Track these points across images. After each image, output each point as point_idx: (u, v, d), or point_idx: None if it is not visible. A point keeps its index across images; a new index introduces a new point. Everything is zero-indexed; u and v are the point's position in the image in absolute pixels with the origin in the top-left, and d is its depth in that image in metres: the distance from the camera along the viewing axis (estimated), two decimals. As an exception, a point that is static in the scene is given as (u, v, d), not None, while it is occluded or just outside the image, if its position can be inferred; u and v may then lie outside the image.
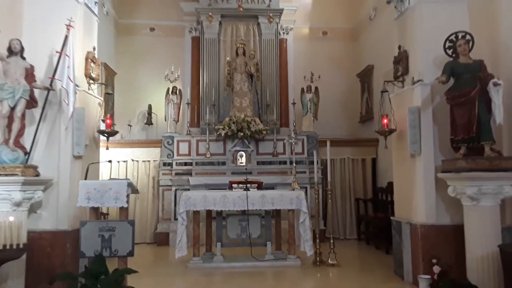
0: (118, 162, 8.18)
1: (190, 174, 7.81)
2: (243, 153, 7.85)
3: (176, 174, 7.86)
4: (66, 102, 4.47)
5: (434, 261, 4.40)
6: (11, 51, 4.33)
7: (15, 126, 4.26)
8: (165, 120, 8.35)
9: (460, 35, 4.43)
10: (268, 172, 7.82)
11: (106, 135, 5.40)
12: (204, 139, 7.98)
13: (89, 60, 5.09)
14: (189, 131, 8.34)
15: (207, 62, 8.82)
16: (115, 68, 9.10)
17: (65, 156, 4.63)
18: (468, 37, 4.42)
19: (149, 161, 8.28)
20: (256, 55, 8.74)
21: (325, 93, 8.79)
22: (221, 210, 5.92)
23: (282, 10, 8.94)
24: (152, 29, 9.76)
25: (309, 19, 10.06)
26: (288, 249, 5.93)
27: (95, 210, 4.39)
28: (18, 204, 4.15)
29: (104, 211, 7.37)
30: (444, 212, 4.60)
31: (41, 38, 4.71)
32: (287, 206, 5.75)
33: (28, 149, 4.40)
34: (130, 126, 9.32)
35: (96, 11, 5.42)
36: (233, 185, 5.98)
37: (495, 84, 4.01)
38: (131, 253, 4.08)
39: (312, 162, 7.11)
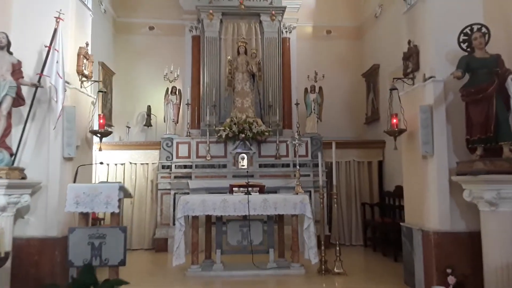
0: (116, 165, 7.92)
1: (190, 177, 7.56)
2: (245, 156, 7.63)
3: (175, 177, 7.60)
4: (55, 99, 4.23)
5: (448, 271, 4.16)
6: (-4, 45, 4.10)
7: (0, 125, 4.05)
8: (164, 121, 8.10)
9: (475, 28, 4.19)
10: (271, 175, 7.56)
11: (99, 135, 5.14)
12: (204, 140, 7.73)
13: (82, 56, 4.85)
14: (189, 132, 8.07)
15: (207, 61, 8.55)
16: (113, 68, 8.87)
17: (55, 157, 4.42)
18: (484, 29, 4.19)
19: (147, 163, 8.00)
20: (258, 54, 8.50)
21: (329, 93, 8.57)
22: (221, 215, 5.65)
23: (285, 8, 8.69)
24: (151, 28, 9.52)
25: (312, 17, 9.81)
26: (291, 256, 5.66)
27: (85, 216, 4.14)
28: (2, 209, 3.91)
29: (101, 216, 7.14)
30: (459, 218, 4.34)
31: (31, 32, 4.51)
32: (290, 211, 5.49)
33: (14, 150, 4.17)
34: (129, 128, 9.08)
35: (90, 5, 5.19)
36: (234, 188, 5.71)
37: (515, 80, 3.78)
38: (122, 262, 3.83)
39: (316, 165, 6.88)
